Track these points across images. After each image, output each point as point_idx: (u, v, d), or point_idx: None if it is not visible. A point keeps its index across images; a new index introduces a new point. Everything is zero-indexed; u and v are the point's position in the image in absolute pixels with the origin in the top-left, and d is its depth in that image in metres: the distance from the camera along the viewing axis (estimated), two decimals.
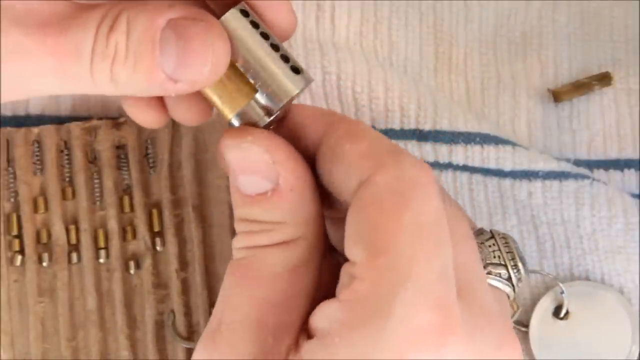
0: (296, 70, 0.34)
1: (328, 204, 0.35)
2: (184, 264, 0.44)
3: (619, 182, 0.46)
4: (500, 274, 0.36)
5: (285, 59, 0.34)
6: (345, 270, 0.32)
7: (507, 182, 0.44)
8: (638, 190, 0.45)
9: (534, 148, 0.45)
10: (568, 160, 0.45)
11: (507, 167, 0.44)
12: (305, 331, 0.33)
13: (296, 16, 0.35)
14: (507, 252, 0.36)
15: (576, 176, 0.44)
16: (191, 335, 0.44)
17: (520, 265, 0.36)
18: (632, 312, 0.43)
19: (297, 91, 0.34)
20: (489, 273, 0.36)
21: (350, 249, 0.32)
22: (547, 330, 0.43)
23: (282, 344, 0.33)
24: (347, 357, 0.30)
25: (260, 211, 0.34)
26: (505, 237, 0.37)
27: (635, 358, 0.43)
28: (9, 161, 0.44)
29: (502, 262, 0.36)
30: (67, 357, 0.43)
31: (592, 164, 0.46)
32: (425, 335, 0.30)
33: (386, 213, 0.31)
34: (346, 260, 0.32)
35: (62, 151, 0.44)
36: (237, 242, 0.34)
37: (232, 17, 0.34)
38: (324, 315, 0.32)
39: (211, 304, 0.44)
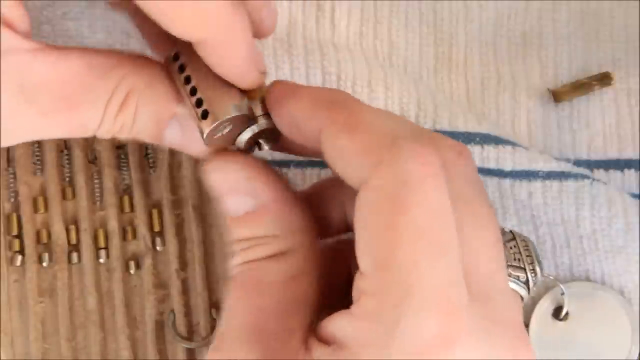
0: (204, 114, 0.35)
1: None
2: (184, 264, 0.44)
3: (619, 182, 0.46)
4: (518, 276, 0.36)
5: (199, 102, 0.35)
6: (356, 281, 0.32)
7: (507, 182, 0.44)
8: (638, 190, 0.45)
9: (534, 148, 0.45)
10: (568, 160, 0.45)
11: (507, 167, 0.44)
12: (314, 332, 0.33)
13: (258, 69, 0.36)
14: (527, 256, 0.36)
15: (576, 176, 0.44)
16: (191, 335, 0.44)
17: (537, 269, 0.36)
18: (631, 312, 0.43)
19: (203, 136, 0.35)
20: (508, 275, 0.35)
21: (359, 260, 0.31)
22: (546, 331, 0.43)
23: (289, 345, 0.33)
24: None
25: (250, 228, 0.35)
26: (525, 239, 0.36)
27: (635, 358, 0.43)
28: (9, 161, 0.44)
29: (522, 265, 0.36)
30: (67, 357, 0.43)
31: (592, 164, 0.46)
32: (432, 346, 0.30)
33: (383, 220, 0.30)
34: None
35: (62, 151, 0.44)
36: (235, 261, 0.35)
37: (167, 61, 0.36)
38: (337, 326, 0.32)
39: (211, 304, 0.44)
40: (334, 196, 0.38)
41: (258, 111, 0.35)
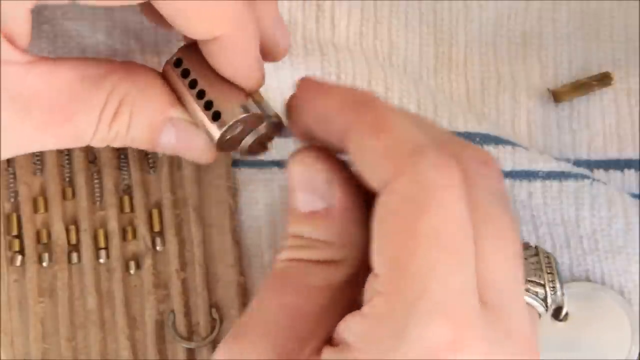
0: (216, 115, 0.35)
1: None
2: (184, 264, 0.44)
3: (619, 182, 0.46)
4: (537, 292, 0.36)
5: (208, 105, 0.35)
6: (369, 282, 0.32)
7: (507, 183, 0.44)
8: (638, 190, 0.45)
9: (534, 148, 0.45)
10: (568, 160, 0.45)
11: (507, 167, 0.44)
12: (331, 339, 0.33)
13: (262, 70, 0.36)
14: (548, 273, 0.36)
15: (576, 176, 0.44)
16: (191, 335, 0.44)
17: (558, 286, 0.36)
18: (631, 312, 0.43)
19: (216, 137, 0.35)
20: (527, 290, 0.35)
21: (374, 261, 0.32)
22: (546, 331, 0.43)
23: (303, 348, 0.33)
24: None
25: (311, 229, 0.35)
26: (548, 256, 0.36)
27: (635, 358, 0.43)
28: (9, 161, 0.44)
29: (542, 282, 0.36)
30: (67, 357, 0.43)
31: (592, 164, 0.46)
32: (441, 352, 0.30)
33: (403, 224, 0.31)
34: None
35: (62, 151, 0.44)
36: (282, 255, 0.35)
37: (169, 67, 0.36)
38: (347, 327, 0.32)
39: (211, 304, 0.44)
40: None
41: (263, 110, 0.36)
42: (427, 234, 0.30)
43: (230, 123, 0.35)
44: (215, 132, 0.35)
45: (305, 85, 0.36)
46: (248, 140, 0.36)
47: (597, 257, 0.44)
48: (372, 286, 0.31)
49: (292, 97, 0.36)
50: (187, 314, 0.44)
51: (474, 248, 0.31)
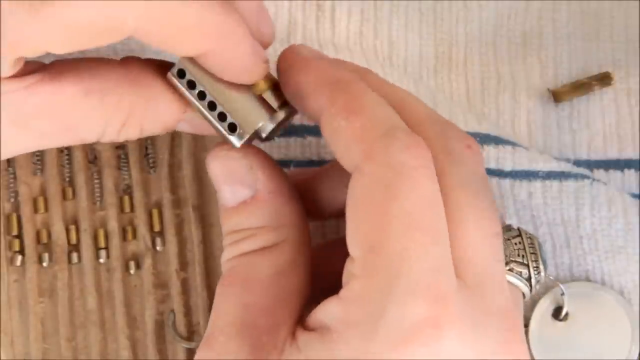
0: (232, 127, 0.35)
1: None
2: (184, 264, 0.44)
3: (619, 182, 0.46)
4: (521, 272, 0.36)
5: (222, 116, 0.35)
6: (346, 266, 0.32)
7: (506, 183, 0.44)
8: (638, 190, 0.45)
9: (534, 148, 0.45)
10: (568, 160, 0.45)
11: (507, 167, 0.44)
12: (302, 323, 0.33)
13: (263, 59, 0.36)
14: (531, 253, 0.36)
15: (576, 176, 0.44)
16: (191, 335, 0.44)
17: (541, 267, 0.36)
18: (631, 312, 0.43)
19: (237, 146, 0.35)
20: (511, 270, 0.36)
21: (349, 245, 0.32)
22: (546, 331, 0.43)
23: (277, 338, 0.33)
24: (343, 354, 0.31)
25: (242, 219, 0.35)
26: (531, 237, 0.37)
27: (635, 358, 0.43)
28: (9, 161, 0.44)
29: (525, 262, 0.36)
30: (67, 357, 0.43)
31: (592, 164, 0.46)
32: (420, 330, 0.30)
33: (375, 206, 0.31)
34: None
35: (62, 151, 0.44)
36: (224, 256, 0.35)
37: (173, 76, 0.35)
38: (326, 312, 0.32)
39: (211, 304, 0.44)
40: (327, 180, 0.38)
41: (273, 102, 0.36)
42: (400, 216, 0.30)
43: (249, 135, 0.35)
44: (235, 141, 0.35)
45: (285, 57, 0.36)
46: (267, 129, 0.36)
47: (597, 257, 0.44)
48: (348, 269, 0.32)
49: (277, 68, 0.36)
50: (187, 314, 0.44)
51: (446, 226, 0.31)
